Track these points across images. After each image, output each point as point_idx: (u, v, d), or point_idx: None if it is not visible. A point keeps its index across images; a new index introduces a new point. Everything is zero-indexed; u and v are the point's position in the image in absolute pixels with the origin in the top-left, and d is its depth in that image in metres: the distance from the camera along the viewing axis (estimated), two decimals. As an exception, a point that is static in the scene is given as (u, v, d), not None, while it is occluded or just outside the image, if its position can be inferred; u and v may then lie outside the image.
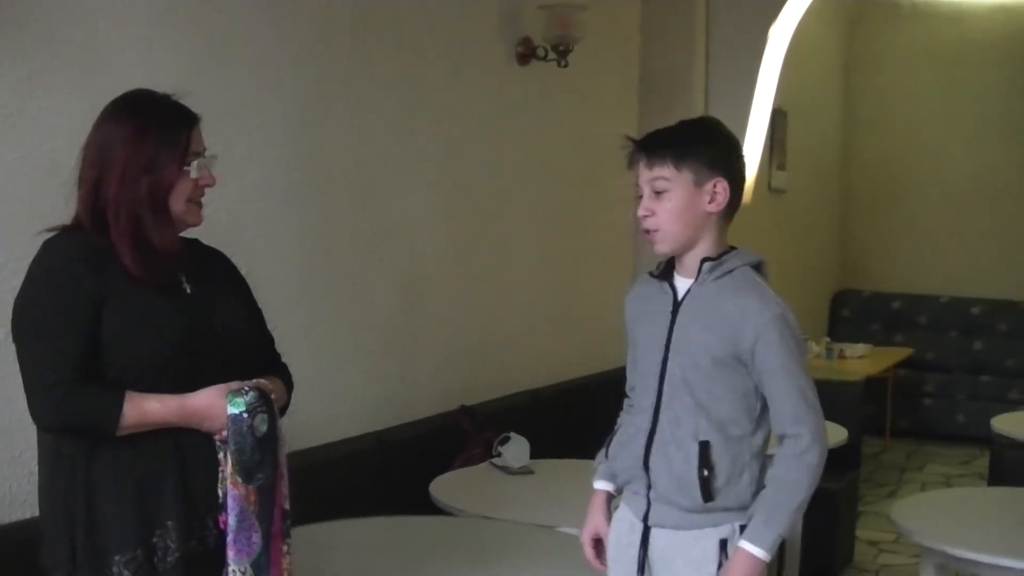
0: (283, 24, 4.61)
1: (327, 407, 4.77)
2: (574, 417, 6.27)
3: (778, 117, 8.93)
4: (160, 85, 2.95)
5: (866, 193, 11.53)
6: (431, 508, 4.50)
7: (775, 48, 7.47)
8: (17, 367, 2.77)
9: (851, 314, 11.37)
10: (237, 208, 4.26)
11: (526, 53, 6.12)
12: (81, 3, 3.76)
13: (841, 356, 9.29)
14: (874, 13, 11.34)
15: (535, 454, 5.01)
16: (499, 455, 4.98)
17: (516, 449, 4.96)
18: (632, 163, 3.09)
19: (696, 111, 7.25)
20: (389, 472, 4.97)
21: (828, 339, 9.70)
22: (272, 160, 4.58)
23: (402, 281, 5.35)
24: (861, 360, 9.40)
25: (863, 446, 7.74)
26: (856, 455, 7.10)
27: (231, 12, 4.37)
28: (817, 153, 10.75)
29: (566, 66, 6.09)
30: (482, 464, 5.06)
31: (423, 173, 5.47)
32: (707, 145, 3.02)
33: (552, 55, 6.08)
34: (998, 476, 7.38)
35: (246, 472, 2.75)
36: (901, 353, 10.37)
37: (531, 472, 4.92)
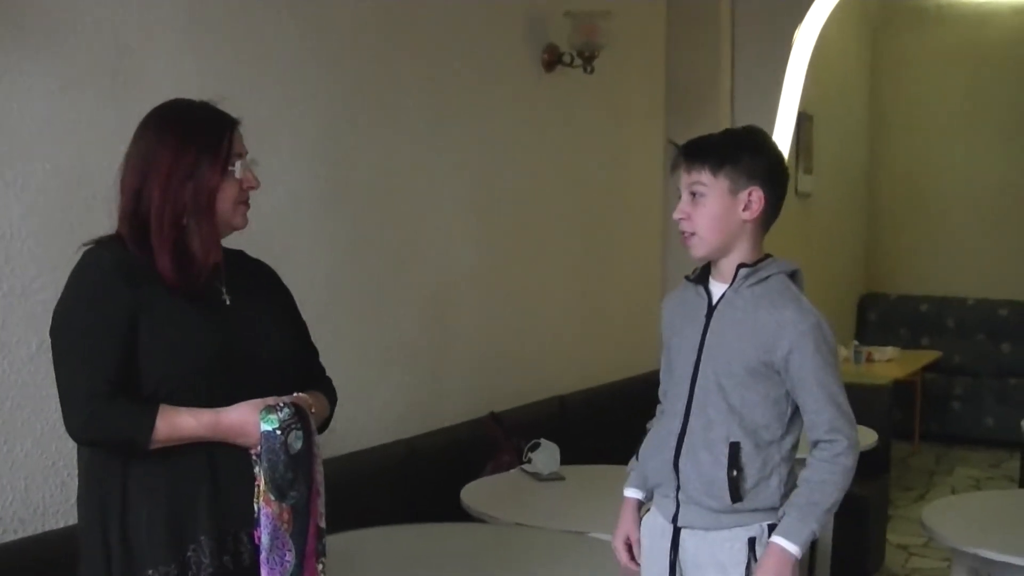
0: (310, 36, 4.62)
1: (356, 416, 4.77)
2: (602, 423, 6.27)
3: (804, 121, 8.92)
4: (189, 96, 2.95)
5: (892, 196, 11.49)
6: (461, 515, 4.51)
7: (800, 52, 7.46)
8: (49, 377, 2.79)
9: (878, 317, 11.33)
10: (268, 220, 4.27)
11: (552, 60, 6.12)
12: (110, 16, 3.78)
13: (869, 360, 9.24)
14: (898, 17, 11.31)
15: (564, 460, 5.01)
16: (529, 462, 4.99)
17: (546, 455, 4.96)
18: (675, 167, 3.13)
19: (722, 116, 7.26)
20: (418, 480, 4.98)
21: (856, 342, 9.66)
22: (301, 172, 4.59)
23: (429, 290, 5.36)
24: (889, 364, 9.36)
25: (891, 450, 7.72)
26: (885, 459, 7.08)
27: (259, 25, 4.39)
28: (843, 156, 10.72)
29: (592, 72, 6.08)
30: (512, 471, 5.06)
31: (450, 181, 5.48)
32: (746, 154, 3.05)
33: (578, 61, 6.08)
34: (1028, 479, 7.36)
35: (279, 490, 2.72)
36: (929, 356, 10.31)
37: (561, 478, 4.92)
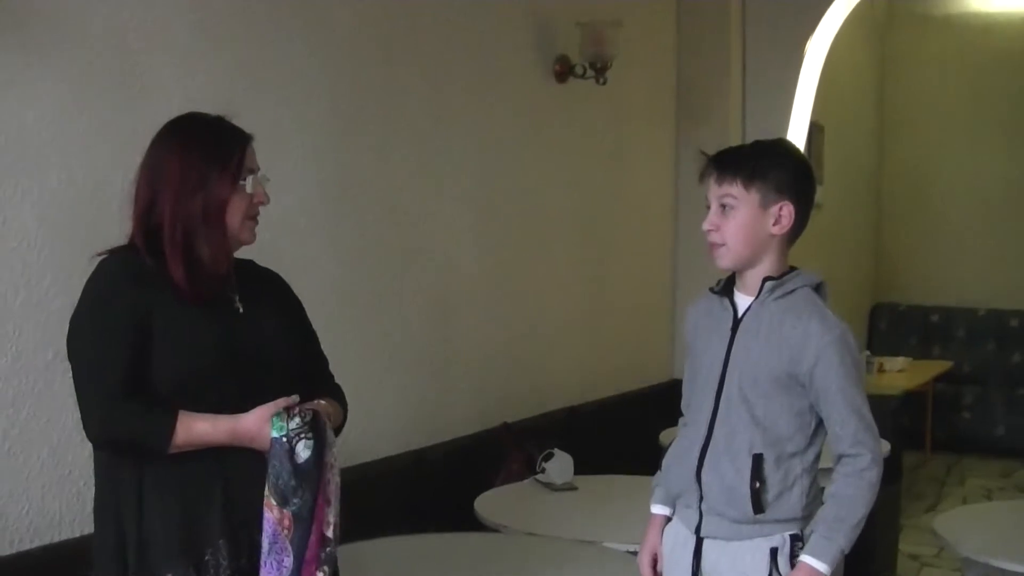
0: (316, 45, 4.63)
1: (364, 426, 4.75)
2: (612, 433, 6.27)
3: (815, 132, 8.90)
4: (198, 107, 2.98)
5: (901, 205, 11.48)
6: (471, 525, 4.51)
7: (812, 63, 7.46)
8: (66, 386, 2.81)
9: (888, 327, 11.32)
10: (275, 228, 4.27)
11: (564, 71, 6.12)
12: (120, 27, 3.79)
13: (880, 370, 9.22)
14: (905, 24, 11.31)
15: (575, 470, 5.01)
16: (543, 471, 4.98)
17: (560, 465, 4.96)
18: (703, 177, 3.12)
19: (733, 127, 7.25)
20: (428, 490, 4.98)
21: (867, 352, 9.64)
22: (308, 180, 4.60)
23: (437, 299, 5.36)
24: (900, 374, 9.33)
25: (903, 459, 7.71)
26: (896, 468, 7.08)
27: (266, 35, 4.40)
28: (852, 166, 10.71)
29: (604, 83, 6.09)
30: (526, 480, 5.06)
31: (459, 191, 5.48)
32: (777, 168, 3.04)
33: (590, 72, 6.08)
34: (1040, 489, 7.36)
35: (281, 496, 2.73)
36: (939, 366, 10.29)
37: (574, 488, 4.92)
